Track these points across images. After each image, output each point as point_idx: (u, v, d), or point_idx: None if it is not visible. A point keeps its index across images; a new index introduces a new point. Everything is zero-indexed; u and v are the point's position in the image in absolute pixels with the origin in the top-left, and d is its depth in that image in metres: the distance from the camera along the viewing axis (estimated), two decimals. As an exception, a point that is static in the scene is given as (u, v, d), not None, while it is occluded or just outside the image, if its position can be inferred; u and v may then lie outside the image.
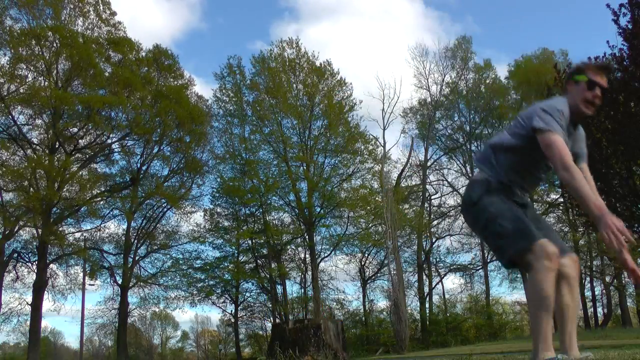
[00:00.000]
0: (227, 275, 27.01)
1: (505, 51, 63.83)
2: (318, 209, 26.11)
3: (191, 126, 24.56)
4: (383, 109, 29.13)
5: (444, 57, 32.58)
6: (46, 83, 22.41)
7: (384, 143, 28.99)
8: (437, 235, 32.86)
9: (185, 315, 71.53)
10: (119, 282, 25.54)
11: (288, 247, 27.42)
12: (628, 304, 32.69)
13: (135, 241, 26.16)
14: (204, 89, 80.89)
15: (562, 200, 29.66)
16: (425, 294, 30.61)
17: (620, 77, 10.46)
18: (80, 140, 23.74)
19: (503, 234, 2.47)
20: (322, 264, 27.04)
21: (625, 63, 10.39)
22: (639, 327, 30.78)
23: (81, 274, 25.95)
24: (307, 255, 27.46)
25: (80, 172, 23.48)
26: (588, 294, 32.66)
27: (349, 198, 25.76)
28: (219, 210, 27.87)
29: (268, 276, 26.80)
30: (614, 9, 10.40)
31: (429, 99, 32.95)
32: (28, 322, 23.17)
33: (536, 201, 31.36)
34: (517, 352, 8.78)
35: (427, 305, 30.60)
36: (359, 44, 60.65)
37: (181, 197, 25.70)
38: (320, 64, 26.18)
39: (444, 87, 32.67)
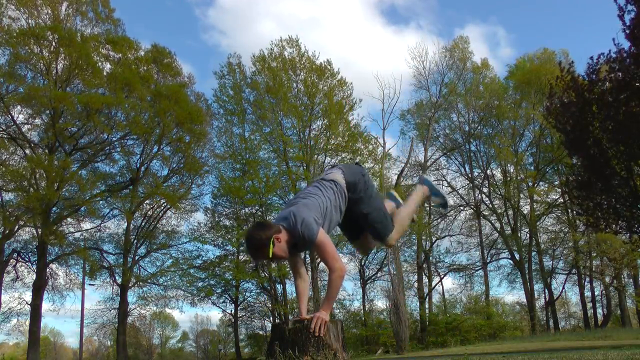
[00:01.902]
0: (227, 275, 27.01)
1: (507, 49, 63.72)
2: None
3: (190, 126, 24.53)
4: (383, 109, 29.14)
5: (443, 57, 32.63)
6: (45, 82, 22.39)
7: (384, 143, 29.00)
8: (436, 236, 32.88)
9: (185, 315, 71.52)
10: (119, 281, 25.52)
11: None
12: (628, 304, 32.68)
13: (135, 241, 26.15)
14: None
15: (561, 200, 29.69)
16: (425, 294, 30.60)
17: (622, 77, 10.42)
18: (79, 140, 23.71)
19: None
20: (322, 264, 27.01)
21: (626, 62, 10.34)
22: (638, 327, 30.76)
23: (81, 274, 25.96)
24: (307, 256, 27.42)
25: (80, 172, 23.47)
26: (588, 294, 32.73)
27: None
28: (219, 209, 27.91)
29: (268, 276, 26.77)
30: (620, 4, 10.29)
31: (428, 99, 32.96)
32: (28, 322, 23.17)
33: (536, 201, 31.41)
34: (516, 352, 8.76)
35: (426, 306, 30.59)
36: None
37: (181, 197, 25.67)
38: (321, 63, 26.16)
39: (443, 87, 32.67)
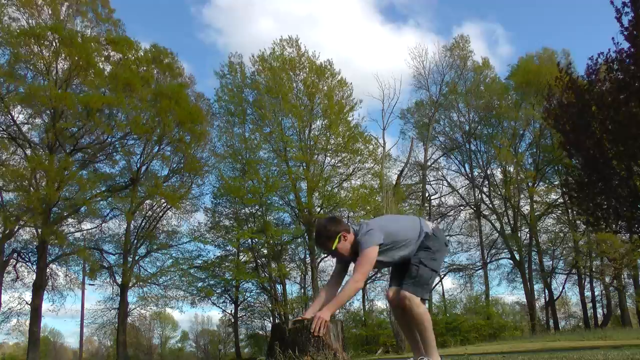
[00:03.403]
0: (227, 275, 27.02)
1: (509, 48, 63.70)
2: (318, 209, 26.07)
3: (191, 126, 24.54)
4: (383, 109, 29.12)
5: (443, 57, 32.64)
6: (45, 82, 22.39)
7: (384, 143, 28.98)
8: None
9: (185, 315, 71.71)
10: (119, 281, 25.53)
11: (288, 247, 27.41)
12: (628, 304, 32.69)
13: (135, 241, 26.15)
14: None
15: (561, 200, 29.70)
16: (425, 294, 30.56)
17: (622, 77, 10.42)
18: (80, 140, 23.72)
19: None
20: (322, 264, 27.02)
21: (626, 63, 10.35)
22: (638, 327, 30.75)
23: (81, 274, 25.97)
24: (307, 255, 27.45)
25: (81, 172, 23.47)
26: (588, 294, 32.74)
27: (348, 198, 25.74)
28: (219, 209, 27.91)
29: (268, 276, 26.78)
30: (617, 6, 10.32)
31: (428, 99, 32.98)
32: (28, 322, 23.18)
33: (536, 202, 31.41)
34: (516, 352, 8.77)
35: (426, 306, 30.58)
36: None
37: (181, 196, 25.68)
38: (321, 63, 26.18)
39: (443, 87, 32.69)
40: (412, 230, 3.38)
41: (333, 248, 3.23)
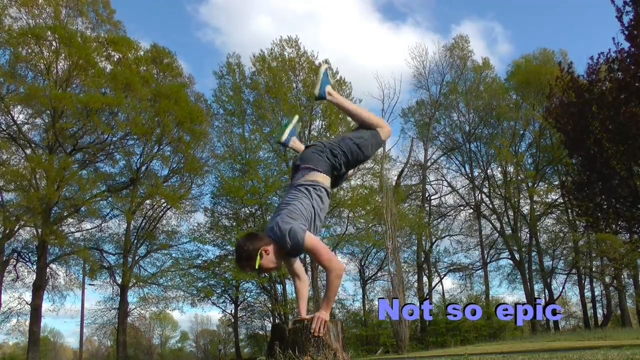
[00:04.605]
0: (227, 275, 27.02)
1: (508, 48, 63.61)
2: (318, 209, 26.02)
3: (190, 125, 24.54)
4: (383, 109, 29.12)
5: (443, 57, 32.66)
6: (45, 83, 22.40)
7: (384, 143, 28.99)
8: (436, 236, 32.88)
9: (185, 315, 71.83)
10: (119, 282, 25.54)
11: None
12: (628, 304, 32.73)
13: (135, 241, 26.16)
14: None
15: (561, 200, 29.72)
16: (425, 294, 30.60)
17: (622, 77, 10.42)
18: (80, 140, 23.73)
19: None
20: (321, 263, 27.01)
21: (627, 63, 10.35)
22: (638, 327, 30.75)
23: (81, 274, 25.97)
24: (307, 256, 27.42)
25: (80, 172, 23.47)
26: (588, 294, 32.75)
27: (348, 198, 25.73)
28: (219, 209, 27.91)
29: (268, 276, 26.76)
30: (618, 6, 10.32)
31: (428, 99, 32.98)
32: (28, 322, 23.19)
33: (536, 202, 31.41)
34: (516, 352, 8.77)
35: (426, 305, 30.60)
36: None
37: (181, 196, 25.68)
38: (320, 63, 26.17)
39: (443, 87, 32.69)
40: (305, 196, 3.13)
41: (257, 267, 2.98)
